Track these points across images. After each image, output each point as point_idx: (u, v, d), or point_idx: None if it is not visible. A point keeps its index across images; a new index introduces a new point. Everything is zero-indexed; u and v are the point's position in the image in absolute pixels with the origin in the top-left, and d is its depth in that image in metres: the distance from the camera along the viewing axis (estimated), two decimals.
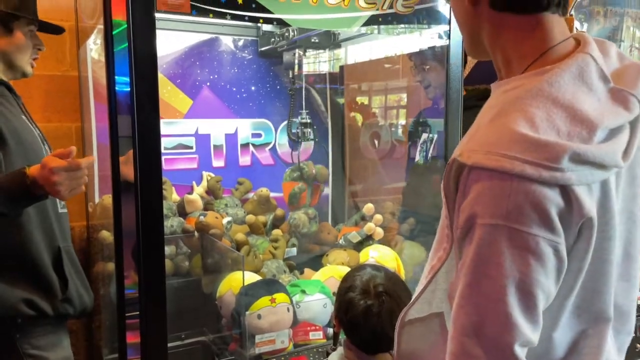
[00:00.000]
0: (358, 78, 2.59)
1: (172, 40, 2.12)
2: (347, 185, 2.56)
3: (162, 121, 2.16)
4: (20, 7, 1.48)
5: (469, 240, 0.71)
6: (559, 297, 0.74)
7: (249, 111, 2.31)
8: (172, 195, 2.03)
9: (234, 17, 1.33)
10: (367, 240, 2.13)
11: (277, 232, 2.04)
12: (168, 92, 2.13)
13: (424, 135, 2.22)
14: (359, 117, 2.66)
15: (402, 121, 2.62)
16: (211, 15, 1.31)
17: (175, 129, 2.17)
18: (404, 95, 2.58)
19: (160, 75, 2.10)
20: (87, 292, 1.55)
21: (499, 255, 0.68)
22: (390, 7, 1.53)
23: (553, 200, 0.67)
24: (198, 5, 1.30)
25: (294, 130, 2.21)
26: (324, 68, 2.39)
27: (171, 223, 1.88)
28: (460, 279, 0.71)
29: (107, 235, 1.78)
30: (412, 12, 1.57)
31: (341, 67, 2.48)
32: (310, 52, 2.08)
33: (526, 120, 0.69)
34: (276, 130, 2.37)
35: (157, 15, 1.20)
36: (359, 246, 2.11)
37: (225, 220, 1.88)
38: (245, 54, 2.28)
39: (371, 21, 1.51)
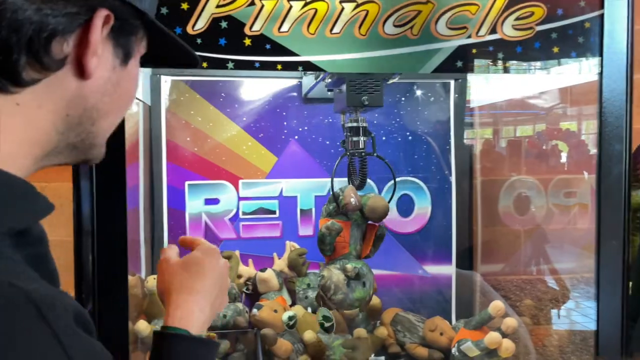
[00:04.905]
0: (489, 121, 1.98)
1: (254, 86, 1.81)
2: (479, 265, 1.94)
3: (240, 182, 1.88)
4: None
5: None
6: None
7: (345, 168, 1.87)
8: (235, 272, 1.68)
9: (239, 65, 0.94)
10: (489, 356, 1.51)
11: (359, 332, 1.54)
12: (248, 148, 1.82)
13: None
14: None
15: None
16: (205, 64, 0.94)
17: (256, 191, 1.84)
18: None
19: (238, 129, 1.82)
20: None
21: None
22: (493, 30, 0.96)
23: None
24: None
25: None
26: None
27: (224, 311, 1.52)
28: None
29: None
30: (532, 36, 0.98)
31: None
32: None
33: None
34: (380, 191, 1.89)
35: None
36: None
37: (285, 316, 1.46)
38: None
39: (458, 56, 0.97)
